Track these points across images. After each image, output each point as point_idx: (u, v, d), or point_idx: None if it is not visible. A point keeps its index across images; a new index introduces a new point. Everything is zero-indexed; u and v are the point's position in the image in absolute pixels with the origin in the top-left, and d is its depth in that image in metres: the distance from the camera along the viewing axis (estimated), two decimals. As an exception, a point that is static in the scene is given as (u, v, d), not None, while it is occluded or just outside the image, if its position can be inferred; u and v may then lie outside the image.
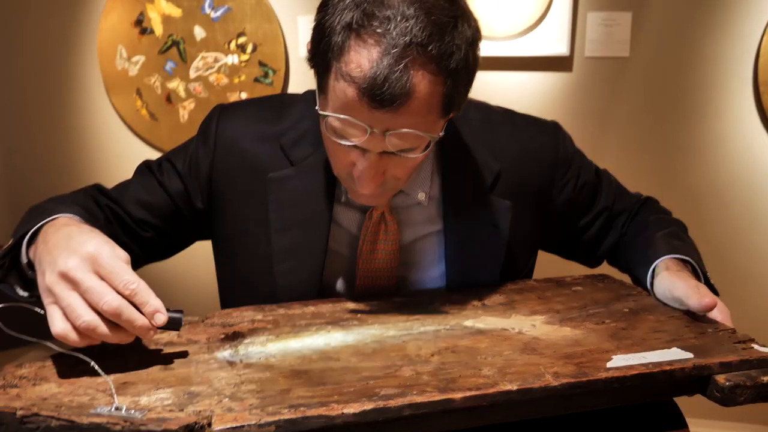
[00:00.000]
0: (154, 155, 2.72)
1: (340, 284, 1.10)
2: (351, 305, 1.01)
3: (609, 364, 0.77)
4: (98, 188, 1.13)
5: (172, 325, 0.80)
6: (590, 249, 1.24)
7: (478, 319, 0.94)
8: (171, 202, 1.11)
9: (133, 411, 0.67)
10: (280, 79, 2.57)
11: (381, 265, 1.08)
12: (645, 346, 0.84)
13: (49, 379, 0.76)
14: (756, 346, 0.83)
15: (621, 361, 0.78)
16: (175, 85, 2.64)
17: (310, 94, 1.10)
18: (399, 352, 0.83)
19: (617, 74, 2.40)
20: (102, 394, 0.72)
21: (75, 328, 0.75)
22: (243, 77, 2.58)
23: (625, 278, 1.17)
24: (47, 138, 2.80)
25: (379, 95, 0.81)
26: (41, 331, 0.78)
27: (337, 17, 0.83)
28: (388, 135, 0.85)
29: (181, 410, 0.68)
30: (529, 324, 0.92)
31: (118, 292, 0.76)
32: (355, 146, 0.89)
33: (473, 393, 0.71)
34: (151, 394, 0.72)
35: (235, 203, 1.09)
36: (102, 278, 0.77)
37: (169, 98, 2.65)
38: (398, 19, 0.80)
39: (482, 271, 1.10)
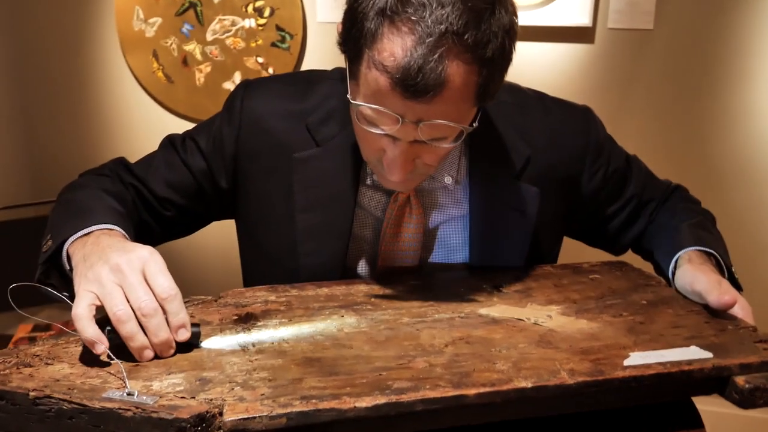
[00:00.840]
0: (169, 118, 2.72)
1: (362, 266, 1.09)
2: (365, 288, 1.00)
3: (626, 362, 0.76)
4: (123, 163, 1.12)
5: (191, 338, 0.79)
6: (616, 237, 1.22)
7: (493, 308, 0.93)
8: (194, 180, 1.10)
9: (144, 397, 0.67)
10: (297, 44, 2.53)
11: (404, 248, 1.07)
12: (663, 342, 0.82)
13: (62, 358, 0.77)
14: (777, 347, 0.82)
15: (638, 359, 0.77)
16: (192, 47, 2.60)
17: (338, 71, 1.08)
18: (412, 341, 0.82)
19: (640, 47, 2.34)
20: (114, 377, 0.72)
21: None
22: (260, 41, 2.54)
23: (645, 266, 1.15)
24: (63, 98, 2.79)
25: (412, 86, 0.79)
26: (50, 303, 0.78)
27: (371, 2, 0.80)
28: (420, 125, 0.84)
29: (193, 397, 0.68)
30: (544, 314, 0.91)
31: (155, 296, 0.77)
32: (386, 134, 0.87)
33: (487, 389, 0.70)
34: (162, 379, 0.72)
35: (260, 182, 1.08)
36: (145, 278, 0.78)
37: (186, 61, 2.62)
38: (434, 5, 0.78)
39: (506, 258, 1.09)
